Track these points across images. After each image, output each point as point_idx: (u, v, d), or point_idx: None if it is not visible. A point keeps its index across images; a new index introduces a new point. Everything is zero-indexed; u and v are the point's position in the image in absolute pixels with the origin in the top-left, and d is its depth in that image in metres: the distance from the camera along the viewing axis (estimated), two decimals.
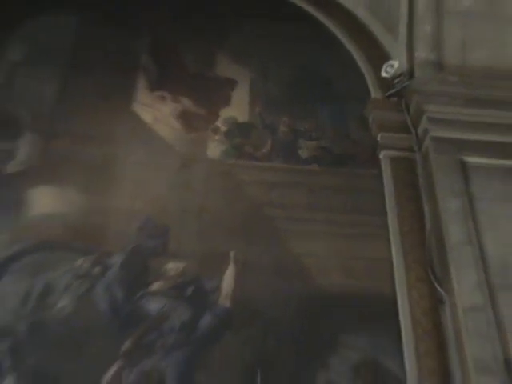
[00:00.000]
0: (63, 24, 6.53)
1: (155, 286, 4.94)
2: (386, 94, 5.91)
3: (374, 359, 4.69)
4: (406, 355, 4.60)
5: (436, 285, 4.83)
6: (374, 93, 6.03)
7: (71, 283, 4.89)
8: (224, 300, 4.86)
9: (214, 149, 5.79)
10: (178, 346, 4.69)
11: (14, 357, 4.57)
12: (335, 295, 4.92)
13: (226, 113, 6.02)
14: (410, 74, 5.90)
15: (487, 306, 4.57)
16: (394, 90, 5.86)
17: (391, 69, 5.87)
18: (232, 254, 5.01)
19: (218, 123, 5.92)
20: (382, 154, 5.61)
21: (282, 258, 5.10)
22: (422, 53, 5.90)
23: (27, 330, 4.69)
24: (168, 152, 5.71)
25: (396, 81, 5.85)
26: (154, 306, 4.84)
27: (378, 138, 5.72)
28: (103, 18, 6.52)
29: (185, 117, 5.92)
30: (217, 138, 5.83)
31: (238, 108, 6.09)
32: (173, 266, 4.99)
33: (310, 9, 6.80)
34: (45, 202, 5.31)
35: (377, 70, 6.07)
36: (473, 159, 5.26)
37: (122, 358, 4.58)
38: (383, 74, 5.93)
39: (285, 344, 4.71)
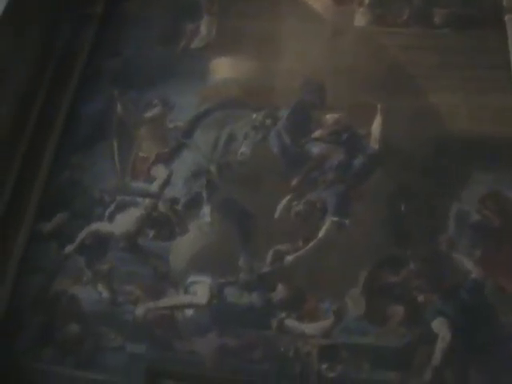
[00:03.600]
0: None
1: (316, 133, 5.26)
2: None
3: (498, 192, 4.79)
4: None
5: None
6: None
7: (249, 133, 5.32)
8: (373, 143, 5.13)
9: (360, 19, 5.84)
10: (337, 181, 5.01)
11: (210, 190, 5.10)
12: (465, 139, 5.02)
13: None
14: None
15: None
16: None
17: None
18: (379, 105, 5.20)
19: None
20: (506, 17, 5.50)
21: (419, 107, 5.24)
22: None
23: (217, 170, 5.19)
24: (321, 23, 5.88)
25: None
26: (315, 149, 5.20)
27: (504, 3, 5.59)
28: None
29: None
30: (361, 9, 5.89)
31: None
32: (330, 117, 5.27)
33: None
34: (223, 69, 5.80)
35: None
36: None
37: (292, 191, 4.97)
38: None
39: (423, 178, 4.91)
